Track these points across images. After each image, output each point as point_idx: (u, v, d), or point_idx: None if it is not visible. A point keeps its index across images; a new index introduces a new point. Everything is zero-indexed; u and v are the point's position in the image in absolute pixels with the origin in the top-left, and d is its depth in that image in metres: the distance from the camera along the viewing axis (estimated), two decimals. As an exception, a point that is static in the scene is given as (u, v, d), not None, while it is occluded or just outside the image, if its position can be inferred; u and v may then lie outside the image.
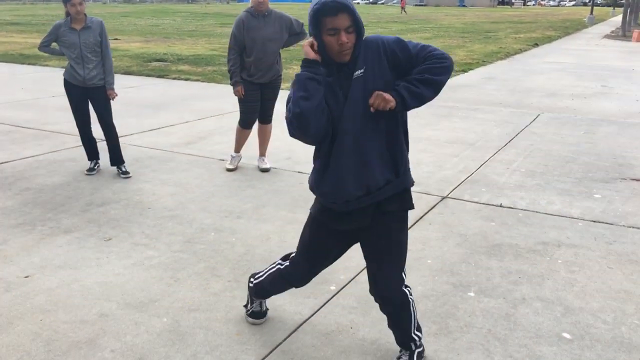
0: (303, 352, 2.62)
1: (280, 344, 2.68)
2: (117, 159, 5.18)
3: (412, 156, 5.28)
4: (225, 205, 4.50)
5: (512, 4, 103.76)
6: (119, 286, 3.18)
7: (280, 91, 5.43)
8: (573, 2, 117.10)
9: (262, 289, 2.72)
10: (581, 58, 17.04)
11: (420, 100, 2.12)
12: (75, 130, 6.45)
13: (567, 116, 8.30)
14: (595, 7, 44.64)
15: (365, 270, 2.53)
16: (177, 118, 7.75)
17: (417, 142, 6.48)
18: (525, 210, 4.47)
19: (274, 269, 2.66)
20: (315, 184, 2.33)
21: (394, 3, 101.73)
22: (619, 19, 44.85)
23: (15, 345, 2.63)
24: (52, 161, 5.59)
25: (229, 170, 5.43)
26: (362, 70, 2.11)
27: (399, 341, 2.53)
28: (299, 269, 2.53)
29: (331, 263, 2.50)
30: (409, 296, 2.42)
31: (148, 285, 3.19)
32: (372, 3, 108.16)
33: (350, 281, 3.29)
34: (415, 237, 3.87)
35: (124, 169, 5.18)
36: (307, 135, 2.11)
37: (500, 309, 3.00)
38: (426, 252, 3.68)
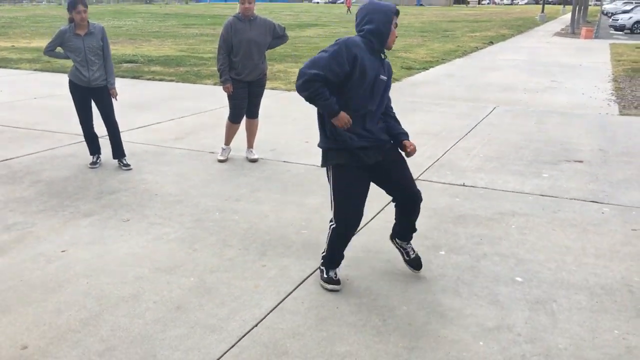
0: (311, 298, 3.23)
1: (291, 292, 3.28)
2: (119, 152, 5.66)
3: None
4: (223, 191, 5.05)
5: (468, 3, 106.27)
6: (147, 256, 3.72)
7: (265, 90, 6.02)
8: (526, 1, 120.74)
9: (330, 259, 3.33)
10: (533, 55, 18.12)
11: None
12: (67, 129, 6.87)
13: (520, 108, 9.13)
14: (546, 5, 46.56)
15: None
16: (161, 116, 8.21)
17: (388, 134, 7.15)
18: (484, 188, 5.18)
19: (330, 235, 3.28)
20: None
21: (354, 3, 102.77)
22: (568, 16, 46.87)
23: (70, 301, 3.15)
24: (54, 157, 6.01)
25: (220, 161, 5.98)
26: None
27: (408, 236, 3.44)
28: (350, 215, 3.18)
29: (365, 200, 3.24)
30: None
31: (172, 254, 3.74)
32: (331, 2, 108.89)
33: (341, 246, 3.91)
34: (393, 212, 4.51)
35: (125, 162, 5.66)
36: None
37: (466, 263, 3.67)
38: (403, 222, 4.33)
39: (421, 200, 3.34)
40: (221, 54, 5.64)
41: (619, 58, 17.10)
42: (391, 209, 4.52)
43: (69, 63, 5.45)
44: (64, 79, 5.74)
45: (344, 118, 3.05)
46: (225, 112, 6.01)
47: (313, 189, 5.12)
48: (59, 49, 5.39)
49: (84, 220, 4.33)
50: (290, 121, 8.06)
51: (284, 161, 6.03)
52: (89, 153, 5.75)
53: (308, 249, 3.87)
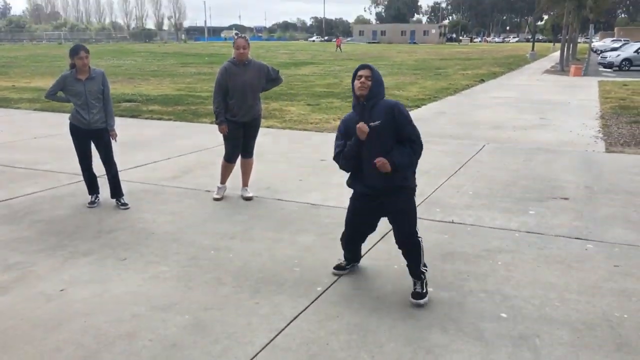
0: (302, 335, 3.34)
1: (283, 329, 3.39)
2: (117, 192, 5.81)
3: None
4: (218, 229, 5.19)
5: (460, 40, 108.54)
6: (143, 294, 3.83)
7: (260, 128, 6.24)
8: (516, 39, 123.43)
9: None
10: (523, 93, 18.54)
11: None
12: (66, 169, 7.03)
13: (509, 146, 9.36)
14: (536, 43, 47.69)
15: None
16: (159, 155, 8.40)
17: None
18: (472, 225, 5.34)
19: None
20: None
21: (348, 41, 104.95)
22: (558, 54, 47.89)
23: (69, 339, 3.25)
24: (53, 197, 6.16)
25: (216, 199, 6.13)
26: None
27: (411, 273, 3.86)
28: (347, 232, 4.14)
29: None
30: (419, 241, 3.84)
31: (167, 292, 3.86)
32: (326, 40, 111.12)
33: (332, 283, 4.03)
34: (383, 249, 4.66)
35: (122, 201, 5.81)
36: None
37: (453, 299, 3.80)
38: (392, 260, 4.46)
39: (414, 249, 3.82)
40: (217, 97, 5.87)
41: (607, 95, 17.52)
42: (379, 247, 4.69)
43: (68, 104, 5.67)
44: (64, 118, 5.94)
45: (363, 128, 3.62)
46: (222, 150, 6.19)
47: (306, 227, 5.27)
48: (60, 93, 5.60)
49: (82, 259, 4.44)
50: (285, 159, 8.25)
51: (278, 199, 6.18)
52: (87, 193, 5.89)
53: (300, 286, 3.99)
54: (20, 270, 4.20)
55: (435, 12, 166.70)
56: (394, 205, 3.78)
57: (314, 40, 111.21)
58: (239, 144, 6.03)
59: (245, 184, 6.31)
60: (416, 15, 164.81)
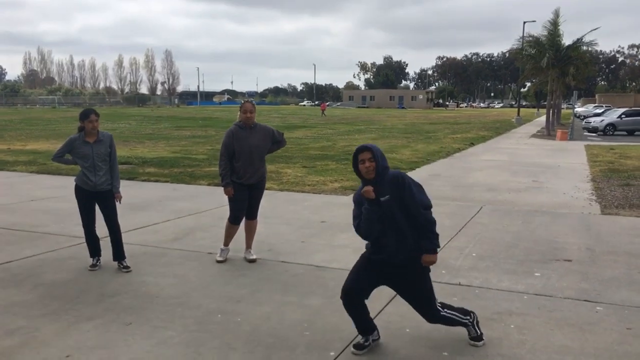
0: (319, 402, 3.23)
1: (299, 397, 3.29)
2: (120, 254, 5.74)
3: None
4: (224, 292, 5.11)
5: (447, 105, 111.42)
6: (152, 360, 3.72)
7: (265, 190, 6.27)
8: (501, 104, 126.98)
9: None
10: (513, 156, 18.89)
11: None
12: (65, 231, 6.98)
13: (506, 208, 9.45)
14: (521, 109, 49.10)
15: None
16: (159, 217, 8.36)
17: (381, 234, 7.36)
18: (480, 287, 5.30)
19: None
20: None
21: (338, 105, 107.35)
22: (543, 119, 49.18)
23: (77, 409, 3.12)
24: (54, 260, 6.06)
25: (219, 262, 6.07)
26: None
27: None
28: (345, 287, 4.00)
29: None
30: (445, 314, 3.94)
31: (177, 359, 3.74)
32: (317, 104, 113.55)
33: (344, 349, 3.95)
34: (393, 312, 4.60)
35: (125, 264, 5.73)
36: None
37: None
38: (404, 323, 4.40)
39: (444, 322, 3.99)
40: (223, 159, 5.93)
41: (595, 159, 17.88)
42: (388, 310, 4.62)
43: (65, 165, 5.68)
44: (61, 181, 5.98)
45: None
46: (221, 212, 6.20)
47: (313, 289, 5.20)
48: (67, 156, 5.64)
49: (86, 324, 4.33)
50: (284, 221, 8.24)
51: (282, 261, 6.13)
52: (89, 255, 5.82)
53: (313, 352, 3.90)
54: (23, 336, 4.08)
55: (422, 79, 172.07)
56: (403, 280, 3.92)
57: (304, 105, 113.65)
58: (245, 205, 6.04)
59: (249, 245, 6.27)
60: (404, 81, 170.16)
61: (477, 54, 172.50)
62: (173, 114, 56.10)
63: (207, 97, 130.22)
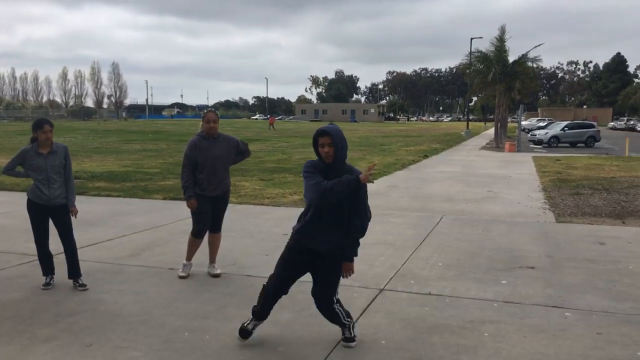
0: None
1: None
2: (75, 271, 5.42)
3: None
4: (189, 309, 4.89)
5: (398, 119, 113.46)
6: (117, 383, 3.47)
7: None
8: (449, 118, 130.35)
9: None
10: (466, 167, 19.28)
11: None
12: (14, 249, 6.58)
13: (465, 218, 9.55)
14: (469, 122, 50.45)
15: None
16: (113, 233, 8.00)
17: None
18: (450, 296, 5.28)
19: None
20: None
21: (291, 119, 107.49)
22: (490, 132, 50.68)
23: None
24: (4, 279, 5.67)
25: (182, 277, 5.82)
26: None
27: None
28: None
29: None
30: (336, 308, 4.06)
31: (144, 380, 3.52)
32: (266, 118, 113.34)
33: None
34: (367, 324, 4.51)
35: (81, 282, 5.41)
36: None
37: (449, 374, 3.66)
38: (379, 335, 4.31)
39: (333, 316, 4.08)
40: (185, 171, 5.71)
41: (544, 170, 18.46)
42: (361, 322, 4.53)
43: (10, 180, 5.35)
44: (7, 196, 5.58)
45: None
46: (179, 226, 5.98)
47: (282, 304, 5.00)
48: (19, 168, 5.30)
49: (43, 346, 4.03)
50: (246, 235, 8.05)
51: (248, 275, 5.95)
52: (41, 273, 5.47)
53: (288, 368, 3.75)
54: (-28, 362, 3.75)
55: (373, 93, 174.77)
56: (324, 269, 4.01)
57: (257, 119, 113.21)
58: (209, 218, 5.83)
59: (212, 260, 6.05)
60: (355, 96, 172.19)
61: (425, 69, 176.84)
62: (121, 127, 54.67)
63: (156, 110, 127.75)
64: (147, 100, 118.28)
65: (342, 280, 4.14)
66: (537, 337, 4.29)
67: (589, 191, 12.90)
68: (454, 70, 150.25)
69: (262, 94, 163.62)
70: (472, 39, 38.18)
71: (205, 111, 5.85)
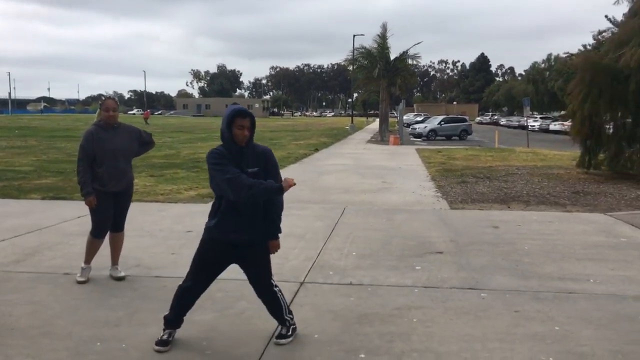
0: None
1: None
2: (-48, 283, 4.67)
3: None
4: (97, 316, 4.40)
5: (283, 114, 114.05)
6: (26, 408, 2.99)
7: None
8: (332, 113, 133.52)
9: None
10: (357, 160, 19.74)
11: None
12: None
13: (367, 208, 9.70)
14: (353, 117, 51.99)
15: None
16: (-11, 237, 7.08)
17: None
18: (371, 285, 5.27)
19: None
20: None
21: (172, 114, 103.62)
22: (372, 126, 52.51)
23: None
24: None
25: (81, 282, 5.25)
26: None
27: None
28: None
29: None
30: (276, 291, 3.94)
31: (59, 401, 3.07)
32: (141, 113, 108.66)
33: (257, 363, 3.58)
34: (296, 319, 4.31)
35: (-41, 294, 4.68)
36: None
37: (389, 359, 3.61)
38: (310, 329, 4.16)
39: (273, 300, 3.94)
40: (82, 165, 5.14)
41: (429, 161, 19.41)
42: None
43: None
44: None
45: None
46: (67, 227, 5.43)
47: (200, 304, 4.67)
48: None
49: None
50: (145, 233, 7.51)
51: (156, 276, 5.52)
52: None
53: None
54: None
55: (257, 88, 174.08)
56: (253, 258, 3.86)
57: (134, 113, 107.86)
58: (110, 216, 5.31)
59: (115, 262, 5.53)
60: (238, 90, 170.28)
61: (308, 65, 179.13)
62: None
63: (20, 105, 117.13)
64: (9, 94, 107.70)
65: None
66: (463, 319, 4.39)
67: (473, 179, 13.73)
68: (336, 67, 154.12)
69: (140, 88, 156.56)
70: (354, 35, 39.16)
71: (104, 98, 5.32)
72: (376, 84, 34.39)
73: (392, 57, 32.60)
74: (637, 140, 13.97)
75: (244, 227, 3.70)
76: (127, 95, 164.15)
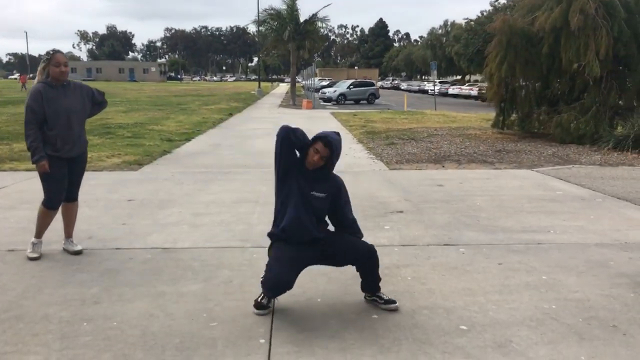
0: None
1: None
2: None
3: (215, 218, 5.77)
4: (68, 294, 3.95)
5: (182, 79, 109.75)
6: (34, 402, 2.61)
7: (20, 172, 5.06)
8: (233, 78, 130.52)
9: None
10: (276, 124, 19.05)
11: None
12: None
13: (308, 171, 9.56)
14: (252, 82, 51.24)
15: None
16: None
17: (207, 206, 6.71)
18: (350, 246, 5.17)
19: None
20: None
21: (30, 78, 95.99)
22: (278, 91, 52.00)
23: None
24: None
25: (33, 259, 4.70)
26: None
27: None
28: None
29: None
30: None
31: (71, 391, 2.70)
32: (32, 78, 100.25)
33: (271, 331, 3.40)
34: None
35: None
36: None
37: (402, 322, 3.55)
38: (310, 293, 4.01)
39: (375, 258, 3.79)
40: (31, 128, 4.54)
41: (348, 124, 19.57)
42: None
43: None
44: None
45: None
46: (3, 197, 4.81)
47: (181, 275, 4.39)
48: None
49: None
50: (82, 204, 6.83)
51: (117, 248, 5.07)
52: None
53: (237, 343, 3.25)
54: None
55: (151, 51, 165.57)
56: (331, 246, 3.74)
57: (16, 78, 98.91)
58: (65, 185, 4.76)
59: (69, 234, 5.01)
60: (131, 53, 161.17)
61: (206, 27, 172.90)
62: None
63: None
64: None
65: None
66: (454, 274, 4.44)
67: (400, 141, 14.02)
68: (235, 29, 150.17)
69: (21, 51, 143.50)
70: (260, -4, 38.13)
71: (51, 52, 4.67)
72: (285, 47, 33.87)
73: (302, 19, 32.18)
74: (545, 102, 14.94)
75: (312, 225, 3.73)
76: (5, 59, 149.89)
